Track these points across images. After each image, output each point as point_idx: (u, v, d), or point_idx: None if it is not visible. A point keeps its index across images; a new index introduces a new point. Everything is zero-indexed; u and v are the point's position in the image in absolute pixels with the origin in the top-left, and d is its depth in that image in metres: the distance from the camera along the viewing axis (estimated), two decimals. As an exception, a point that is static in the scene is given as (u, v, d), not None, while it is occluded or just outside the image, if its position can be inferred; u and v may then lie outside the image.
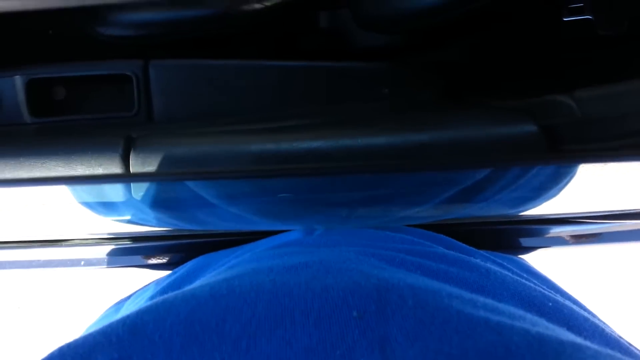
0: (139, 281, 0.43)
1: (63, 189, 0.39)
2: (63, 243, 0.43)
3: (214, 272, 0.34)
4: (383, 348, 0.21)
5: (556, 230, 0.44)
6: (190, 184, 0.36)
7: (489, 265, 0.32)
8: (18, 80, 0.57)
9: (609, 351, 0.22)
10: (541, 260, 0.44)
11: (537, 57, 0.51)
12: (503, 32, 0.55)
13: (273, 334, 0.22)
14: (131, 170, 0.37)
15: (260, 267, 0.29)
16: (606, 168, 0.36)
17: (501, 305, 0.25)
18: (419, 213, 0.40)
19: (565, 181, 0.37)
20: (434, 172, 0.36)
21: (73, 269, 0.42)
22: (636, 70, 0.37)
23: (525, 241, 0.45)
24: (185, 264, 0.40)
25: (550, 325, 0.24)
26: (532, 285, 0.31)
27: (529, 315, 0.25)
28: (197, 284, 0.31)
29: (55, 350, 0.22)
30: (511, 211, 0.41)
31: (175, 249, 0.43)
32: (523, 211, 0.40)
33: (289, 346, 0.22)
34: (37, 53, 0.64)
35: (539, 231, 0.44)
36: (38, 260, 0.42)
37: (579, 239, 0.45)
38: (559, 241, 0.45)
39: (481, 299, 0.25)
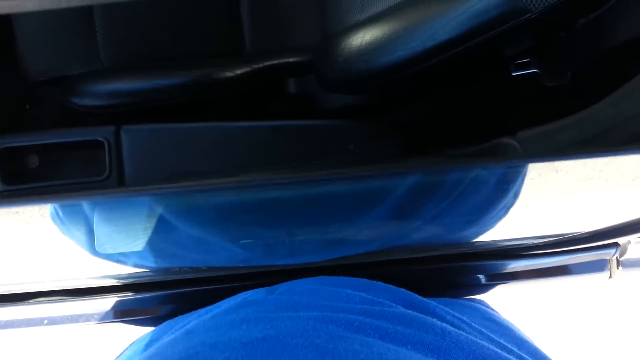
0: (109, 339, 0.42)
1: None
2: (26, 300, 0.42)
3: (171, 334, 0.34)
4: None
5: (513, 265, 0.45)
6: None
7: (445, 325, 0.34)
8: (-9, 150, 0.58)
9: None
10: (505, 296, 0.45)
11: (490, 107, 0.55)
12: (458, 87, 0.59)
13: None
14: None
15: (216, 342, 0.29)
16: (553, 192, 0.38)
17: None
18: (358, 235, 0.40)
19: (505, 201, 0.38)
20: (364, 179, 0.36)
21: (34, 329, 0.41)
22: (569, 109, 0.39)
23: (484, 278, 0.45)
24: (143, 336, 0.39)
25: None
26: (486, 344, 0.32)
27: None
28: (153, 351, 0.31)
29: None
30: (458, 234, 0.41)
31: (154, 301, 0.43)
32: (472, 237, 0.41)
33: None
34: (11, 123, 0.66)
35: (496, 267, 0.44)
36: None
37: (541, 273, 0.45)
38: (520, 275, 0.45)
39: None
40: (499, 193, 0.38)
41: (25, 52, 0.69)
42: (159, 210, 0.36)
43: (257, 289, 0.40)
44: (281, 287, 0.40)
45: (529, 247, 0.44)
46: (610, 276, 0.45)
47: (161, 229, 0.37)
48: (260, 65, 0.72)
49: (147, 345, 0.37)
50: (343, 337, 0.30)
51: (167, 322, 0.39)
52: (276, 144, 0.58)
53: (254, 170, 0.52)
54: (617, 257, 0.45)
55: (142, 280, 0.42)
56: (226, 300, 0.39)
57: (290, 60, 0.73)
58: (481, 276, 0.44)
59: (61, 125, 0.62)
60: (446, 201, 0.37)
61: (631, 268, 0.45)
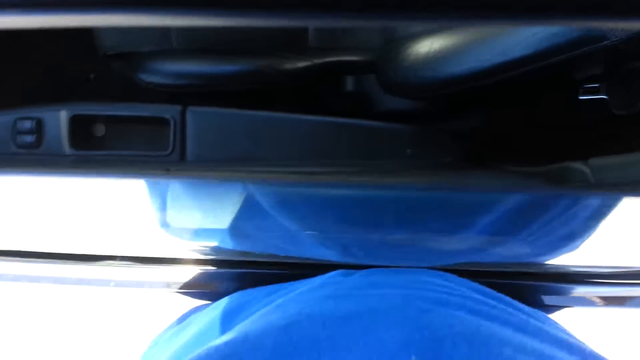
0: (165, 307, 0.44)
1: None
2: (95, 262, 0.44)
3: (260, 310, 0.35)
4: None
5: (580, 290, 0.45)
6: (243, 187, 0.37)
7: (527, 316, 0.34)
8: (63, 115, 0.60)
9: None
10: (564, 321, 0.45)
11: (555, 127, 0.54)
12: (521, 103, 0.59)
13: None
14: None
15: (312, 315, 0.30)
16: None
17: (546, 350, 0.27)
18: (447, 244, 0.41)
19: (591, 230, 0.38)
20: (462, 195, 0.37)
21: (101, 289, 0.43)
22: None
23: (547, 299, 0.45)
24: (220, 301, 0.41)
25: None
26: (565, 336, 0.32)
27: (585, 346, 0.27)
28: (250, 323, 0.32)
29: None
30: (540, 257, 0.42)
31: (213, 277, 0.44)
32: (550, 258, 0.41)
33: None
34: (82, 92, 0.69)
35: (562, 289, 0.45)
36: (69, 278, 0.44)
37: (607, 301, 0.45)
38: (584, 301, 0.45)
39: (529, 343, 0.27)
40: (595, 221, 0.38)
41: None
42: (249, 191, 0.37)
43: (334, 272, 0.41)
44: (358, 271, 0.41)
45: (592, 274, 0.44)
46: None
47: (245, 210, 0.38)
48: (321, 60, 0.73)
49: (230, 313, 0.37)
50: (433, 311, 0.30)
51: (238, 293, 0.40)
52: (338, 140, 0.59)
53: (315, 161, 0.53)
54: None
55: (205, 256, 0.44)
56: (302, 281, 0.40)
57: (351, 58, 0.74)
58: (544, 297, 0.45)
59: (123, 99, 0.65)
60: (551, 224, 0.38)
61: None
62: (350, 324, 0.29)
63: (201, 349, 0.27)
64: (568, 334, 0.34)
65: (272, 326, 0.29)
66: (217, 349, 0.27)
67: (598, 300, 0.46)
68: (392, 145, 0.62)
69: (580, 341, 0.31)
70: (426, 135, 0.62)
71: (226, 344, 0.27)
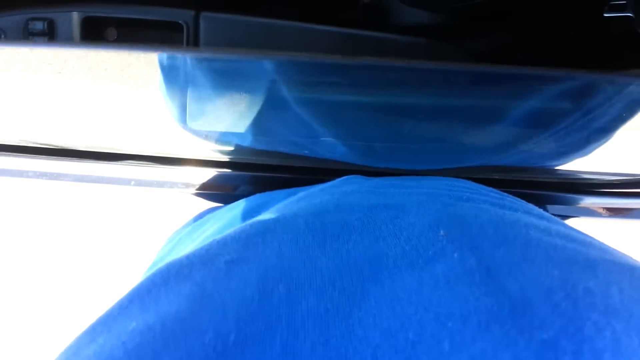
0: (184, 207, 0.46)
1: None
2: (116, 160, 0.46)
3: (286, 202, 0.36)
4: (472, 249, 0.24)
5: (588, 201, 0.46)
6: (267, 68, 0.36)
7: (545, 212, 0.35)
8: (75, 16, 0.59)
9: None
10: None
11: (579, 46, 0.53)
12: (547, 22, 0.57)
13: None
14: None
15: (340, 204, 0.31)
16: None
17: (571, 232, 0.28)
18: (463, 141, 0.41)
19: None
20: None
21: (122, 187, 0.45)
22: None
23: (553, 209, 0.47)
24: (238, 202, 0.42)
25: (616, 252, 0.26)
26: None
27: (595, 242, 0.27)
28: (277, 211, 0.33)
29: (163, 268, 0.24)
30: (553, 161, 0.42)
31: (231, 180, 0.45)
32: (562, 163, 0.42)
33: (384, 257, 0.24)
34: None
35: (569, 199, 0.46)
36: (90, 175, 0.45)
37: (614, 212, 0.46)
38: (590, 212, 0.46)
39: (553, 226, 0.28)
40: (610, 129, 0.38)
41: None
42: (276, 84, 0.36)
43: (354, 175, 0.42)
44: (378, 177, 0.41)
45: (600, 183, 0.45)
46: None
47: (269, 103, 0.38)
48: (339, -32, 0.71)
49: (251, 210, 0.39)
50: (458, 205, 0.31)
51: (256, 195, 0.42)
52: (353, 52, 0.58)
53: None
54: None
55: (222, 157, 0.45)
56: (321, 185, 0.41)
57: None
58: (550, 206, 0.46)
59: (140, 3, 0.63)
60: (567, 128, 0.38)
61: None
62: (378, 212, 0.29)
63: (230, 230, 0.28)
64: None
65: (301, 212, 0.30)
66: (252, 225, 0.28)
67: (603, 211, 0.47)
68: (405, 57, 0.61)
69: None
70: (443, 49, 0.60)
71: (260, 222, 0.28)
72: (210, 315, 0.20)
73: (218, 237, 0.27)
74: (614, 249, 0.28)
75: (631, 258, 0.27)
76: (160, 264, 0.26)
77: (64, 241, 0.55)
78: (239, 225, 0.29)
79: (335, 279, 0.23)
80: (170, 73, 0.39)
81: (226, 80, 0.38)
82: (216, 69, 0.37)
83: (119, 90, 0.41)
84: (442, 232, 0.26)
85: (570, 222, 0.47)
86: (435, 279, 0.22)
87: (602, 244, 0.28)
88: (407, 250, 0.25)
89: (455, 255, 0.24)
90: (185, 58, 0.37)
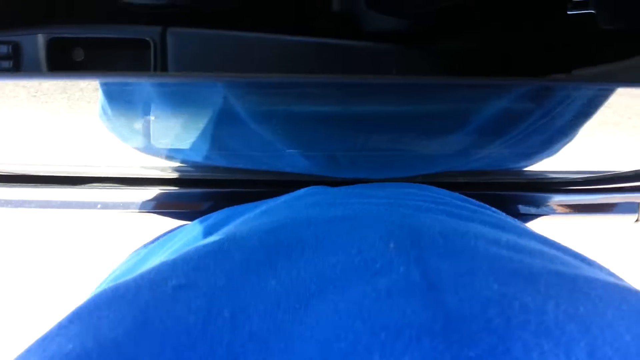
0: (152, 228, 0.45)
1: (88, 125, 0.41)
2: (81, 184, 0.45)
3: (247, 216, 0.36)
4: (418, 261, 0.24)
5: (556, 199, 0.46)
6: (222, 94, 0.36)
7: (505, 217, 0.35)
8: (40, 38, 0.59)
9: (617, 281, 0.25)
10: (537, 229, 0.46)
11: (543, 43, 0.54)
12: (511, 21, 0.57)
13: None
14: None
15: (298, 218, 0.31)
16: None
17: (522, 241, 0.28)
18: (426, 148, 0.41)
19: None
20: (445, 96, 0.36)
21: (88, 212, 0.44)
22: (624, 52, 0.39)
23: (524, 209, 0.47)
24: (209, 215, 0.42)
25: (566, 259, 0.27)
26: (539, 234, 0.33)
27: (545, 249, 0.27)
28: (235, 227, 0.32)
29: (104, 293, 0.24)
30: (520, 162, 0.42)
31: (197, 197, 0.45)
32: (528, 165, 0.42)
33: (332, 271, 0.24)
34: (59, 15, 0.66)
35: (538, 199, 0.46)
36: (54, 201, 0.45)
37: (580, 209, 0.46)
38: (557, 210, 0.47)
39: (504, 237, 0.28)
40: (572, 127, 0.38)
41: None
42: (230, 102, 0.36)
43: (318, 186, 0.42)
44: (343, 186, 0.42)
45: (566, 182, 0.45)
46: (638, 219, 0.46)
47: (227, 122, 0.38)
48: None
49: (218, 223, 0.39)
50: (414, 216, 0.31)
51: (225, 209, 0.41)
52: (323, 61, 0.58)
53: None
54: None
55: (185, 176, 0.44)
56: (285, 195, 0.41)
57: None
58: (519, 206, 0.46)
59: (104, 21, 0.63)
60: (525, 131, 0.38)
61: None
62: (335, 225, 0.30)
63: (189, 248, 0.28)
64: (541, 235, 0.35)
65: (258, 229, 0.30)
66: (205, 246, 0.28)
67: (570, 208, 0.47)
68: (379, 65, 0.61)
69: (553, 240, 0.32)
70: (413, 54, 0.61)
71: (214, 242, 0.28)
72: (150, 342, 0.20)
73: (170, 258, 0.27)
74: (570, 253, 0.28)
75: (585, 262, 0.27)
76: (112, 283, 0.25)
77: (34, 269, 0.54)
78: (194, 245, 0.29)
79: (281, 298, 0.23)
80: (121, 96, 0.38)
81: (179, 99, 0.37)
82: (168, 89, 0.37)
83: (96, 111, 0.41)
84: (392, 245, 0.26)
85: (541, 220, 0.47)
86: (377, 292, 0.22)
87: (557, 249, 0.28)
88: (356, 263, 0.25)
89: (401, 269, 0.24)
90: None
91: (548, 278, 0.23)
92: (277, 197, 0.41)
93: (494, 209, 0.38)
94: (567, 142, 0.39)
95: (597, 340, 0.19)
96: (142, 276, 0.25)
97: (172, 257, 0.27)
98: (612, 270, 0.30)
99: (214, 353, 0.20)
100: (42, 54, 0.59)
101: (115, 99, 0.42)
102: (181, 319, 0.21)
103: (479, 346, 0.18)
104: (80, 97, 0.46)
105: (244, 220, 0.35)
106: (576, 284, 0.22)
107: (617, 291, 0.22)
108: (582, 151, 0.39)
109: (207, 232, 0.37)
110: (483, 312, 0.20)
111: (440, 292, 0.22)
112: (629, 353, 0.18)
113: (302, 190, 0.41)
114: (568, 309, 0.20)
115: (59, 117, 0.48)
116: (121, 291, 0.24)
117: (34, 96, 0.49)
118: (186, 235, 0.39)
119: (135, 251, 0.42)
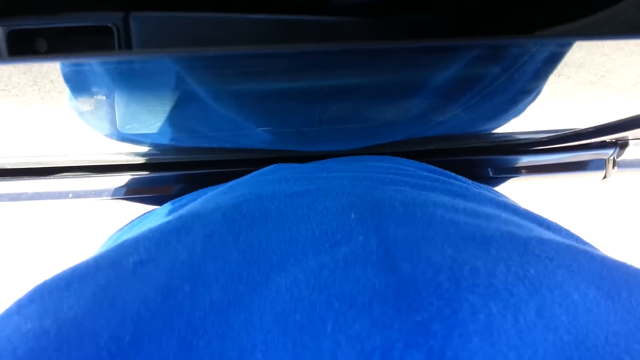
0: (127, 215, 0.45)
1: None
2: (52, 175, 0.44)
3: (212, 193, 0.36)
4: (377, 230, 0.24)
5: (518, 161, 0.46)
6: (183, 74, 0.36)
7: (467, 184, 0.36)
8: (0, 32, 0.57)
9: (572, 243, 0.25)
10: (508, 191, 0.47)
11: (516, 7, 0.53)
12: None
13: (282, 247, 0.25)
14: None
15: (262, 193, 0.31)
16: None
17: (480, 208, 0.28)
18: (388, 114, 0.41)
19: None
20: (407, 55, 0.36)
21: (61, 202, 0.44)
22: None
23: (494, 172, 0.47)
24: (182, 197, 0.41)
25: (522, 222, 0.27)
26: (507, 199, 0.34)
27: (503, 214, 0.28)
28: (200, 204, 0.33)
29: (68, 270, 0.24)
30: (486, 125, 0.42)
31: (168, 181, 0.45)
32: (493, 128, 0.42)
33: (294, 243, 0.25)
34: (18, 6, 0.64)
35: (503, 162, 0.46)
36: (26, 193, 0.44)
37: (539, 170, 0.47)
38: (521, 171, 0.47)
39: (462, 203, 0.28)
40: (534, 85, 0.38)
41: None
42: (190, 83, 0.36)
43: (285, 163, 0.42)
44: (311, 162, 0.42)
45: (533, 142, 0.45)
46: (605, 176, 0.46)
47: (190, 105, 0.38)
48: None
49: (182, 207, 0.39)
50: (378, 188, 0.32)
51: (196, 191, 0.42)
52: (292, 39, 0.57)
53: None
54: (614, 158, 0.46)
55: (155, 160, 0.44)
56: (255, 172, 0.41)
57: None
58: (490, 170, 0.47)
59: (66, 9, 0.61)
60: (484, 92, 0.38)
61: (626, 169, 0.46)
62: (298, 198, 0.30)
63: (152, 225, 0.28)
64: (507, 198, 0.36)
65: (222, 204, 0.30)
66: (169, 222, 0.28)
67: (535, 169, 0.48)
68: (350, 40, 0.60)
69: (516, 203, 0.33)
70: (384, 27, 0.60)
71: (177, 219, 0.28)
72: (108, 317, 0.20)
73: (131, 236, 0.27)
74: (528, 217, 0.28)
75: (543, 225, 0.27)
76: None
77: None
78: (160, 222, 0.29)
79: (242, 271, 0.23)
80: (77, 82, 0.38)
81: (132, 81, 0.37)
82: (120, 70, 0.36)
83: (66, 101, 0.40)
84: (353, 215, 0.26)
85: (511, 183, 0.48)
86: (335, 262, 0.22)
87: (515, 213, 0.29)
88: (317, 235, 0.25)
89: (360, 238, 0.24)
90: (91, 64, 0.35)
91: (500, 241, 0.23)
92: (246, 175, 0.41)
93: (461, 177, 0.38)
94: (531, 101, 0.39)
95: (546, 300, 0.19)
96: (101, 255, 0.25)
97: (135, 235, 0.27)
98: (580, 228, 0.30)
99: (172, 325, 0.20)
100: (2, 46, 0.57)
101: (76, 86, 0.41)
102: (141, 293, 0.21)
103: (427, 310, 0.18)
104: (51, 88, 0.46)
105: (208, 197, 0.35)
106: (527, 246, 0.23)
107: (569, 252, 0.23)
108: (561, 114, 0.39)
109: (176, 212, 0.37)
110: (434, 277, 0.20)
111: (395, 258, 0.22)
112: (577, 311, 0.18)
113: (269, 167, 0.41)
114: (518, 271, 0.20)
115: (31, 109, 0.47)
116: (81, 270, 0.24)
117: (4, 89, 0.48)
118: (156, 216, 0.39)
119: (110, 237, 0.42)
